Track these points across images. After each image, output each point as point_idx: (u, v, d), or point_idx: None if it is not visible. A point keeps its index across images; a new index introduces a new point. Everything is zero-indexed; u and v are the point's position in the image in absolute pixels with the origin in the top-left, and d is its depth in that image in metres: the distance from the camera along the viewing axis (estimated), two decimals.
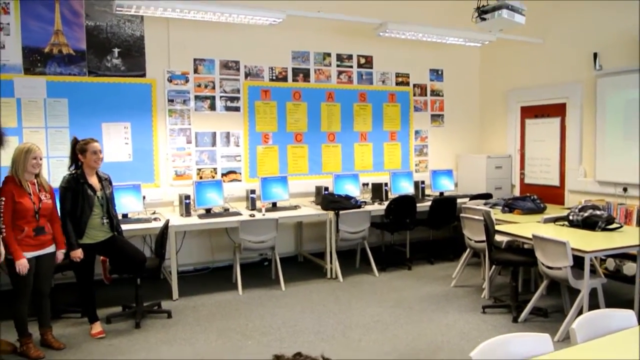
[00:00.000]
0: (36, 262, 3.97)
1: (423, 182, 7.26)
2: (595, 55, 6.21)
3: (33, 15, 5.57)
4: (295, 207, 6.32)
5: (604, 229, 4.76)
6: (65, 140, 5.69)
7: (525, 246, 5.05)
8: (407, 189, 7.22)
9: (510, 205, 6.04)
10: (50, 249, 4.09)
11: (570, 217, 5.02)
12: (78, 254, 4.21)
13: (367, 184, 7.17)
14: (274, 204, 6.39)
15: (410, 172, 7.56)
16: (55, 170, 5.59)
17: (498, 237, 5.04)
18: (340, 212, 6.00)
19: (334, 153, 7.26)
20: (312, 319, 4.77)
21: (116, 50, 5.97)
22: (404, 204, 6.44)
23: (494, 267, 5.30)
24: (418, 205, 6.58)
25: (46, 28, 5.64)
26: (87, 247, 4.30)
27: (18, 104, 5.54)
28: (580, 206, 5.07)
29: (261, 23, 5.61)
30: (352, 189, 6.87)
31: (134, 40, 6.04)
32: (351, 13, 6.26)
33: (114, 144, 5.98)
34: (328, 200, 6.17)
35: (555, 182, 6.97)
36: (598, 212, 4.88)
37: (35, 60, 5.61)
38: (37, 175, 4.04)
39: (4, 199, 3.82)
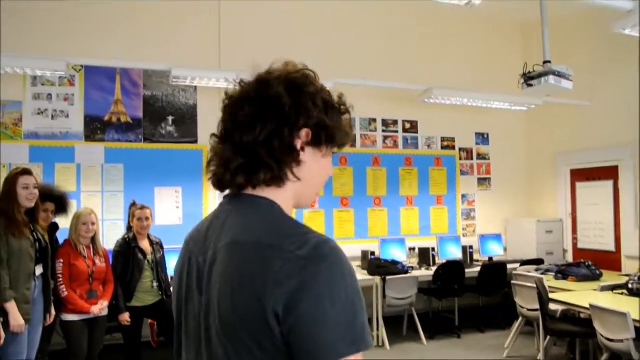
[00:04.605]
0: (88, 325, 4.05)
1: (471, 247, 7.10)
2: None
3: (95, 86, 5.94)
4: None
5: None
6: (119, 203, 5.91)
7: (582, 315, 4.83)
8: (455, 253, 7.08)
9: (563, 272, 5.82)
10: (103, 312, 4.17)
11: (630, 285, 4.78)
12: (126, 317, 4.27)
13: (414, 249, 7.07)
14: None
15: (457, 236, 7.43)
16: (109, 232, 5.77)
17: (552, 306, 4.85)
18: (387, 277, 5.93)
19: (380, 217, 7.25)
20: None
21: (170, 118, 6.25)
22: (452, 269, 6.30)
23: (549, 337, 5.07)
24: (467, 270, 6.42)
25: (107, 98, 5.99)
26: (136, 310, 4.37)
27: (78, 169, 5.83)
28: (639, 273, 4.85)
29: None
30: (398, 254, 6.79)
31: (187, 108, 6.33)
32: (396, 79, 6.40)
33: (166, 208, 6.16)
34: (375, 265, 6.11)
35: (611, 247, 6.71)
36: None
37: (96, 128, 5.93)
38: (93, 240, 4.19)
39: (62, 260, 3.98)
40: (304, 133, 1.09)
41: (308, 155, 1.11)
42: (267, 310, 0.93)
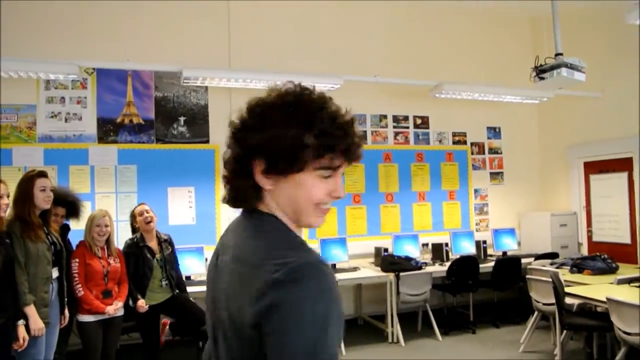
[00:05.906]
0: (103, 325, 4.09)
1: (485, 242, 7.07)
2: None
3: (107, 89, 5.99)
4: (355, 269, 6.28)
5: None
6: (133, 204, 5.90)
7: (598, 309, 4.79)
8: (469, 248, 7.06)
9: (579, 266, 5.78)
10: (118, 312, 4.20)
11: None
12: (142, 303, 4.31)
13: (427, 245, 7.06)
14: (334, 266, 6.37)
15: (471, 231, 7.41)
16: (123, 233, 5.79)
17: (568, 300, 4.82)
18: (401, 273, 5.92)
19: (393, 213, 7.24)
20: None
21: (182, 118, 6.29)
22: (466, 264, 6.28)
23: (565, 331, 5.04)
24: (481, 265, 6.39)
25: (119, 100, 6.04)
26: (150, 308, 4.41)
27: (91, 171, 5.88)
28: None
29: (319, 89, 5.78)
30: (411, 250, 6.78)
31: (198, 108, 6.35)
32: (406, 75, 6.38)
33: (179, 208, 6.19)
34: (388, 261, 6.10)
35: (626, 239, 6.64)
36: None
37: (108, 130, 5.98)
38: (107, 240, 4.23)
39: (77, 260, 4.01)
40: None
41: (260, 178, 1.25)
42: (247, 322, 1.08)
